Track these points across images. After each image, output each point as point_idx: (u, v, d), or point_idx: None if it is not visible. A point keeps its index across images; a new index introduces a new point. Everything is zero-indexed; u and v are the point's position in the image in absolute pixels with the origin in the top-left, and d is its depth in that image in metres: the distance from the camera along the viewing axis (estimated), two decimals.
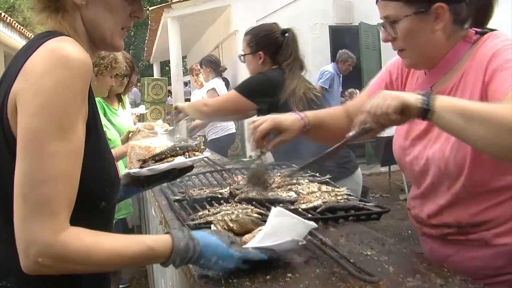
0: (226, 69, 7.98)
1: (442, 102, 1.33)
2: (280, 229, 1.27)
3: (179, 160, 1.66)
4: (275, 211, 1.30)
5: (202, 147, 1.87)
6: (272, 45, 3.16)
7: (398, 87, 1.88)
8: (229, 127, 7.59)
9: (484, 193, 1.55)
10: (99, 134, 1.27)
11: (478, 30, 1.63)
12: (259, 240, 1.26)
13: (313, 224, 1.36)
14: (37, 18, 1.31)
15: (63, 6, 1.28)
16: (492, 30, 1.62)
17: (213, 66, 7.51)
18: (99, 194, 1.25)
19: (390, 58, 1.97)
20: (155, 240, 1.17)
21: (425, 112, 1.34)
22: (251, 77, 3.21)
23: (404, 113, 1.37)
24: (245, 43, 3.23)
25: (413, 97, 1.35)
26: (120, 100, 4.03)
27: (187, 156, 1.76)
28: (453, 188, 1.59)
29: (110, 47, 1.38)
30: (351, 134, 1.55)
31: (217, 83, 7.42)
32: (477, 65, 1.51)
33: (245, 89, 3.08)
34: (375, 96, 1.44)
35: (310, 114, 1.95)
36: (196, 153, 1.79)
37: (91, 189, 1.20)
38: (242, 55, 3.26)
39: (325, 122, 1.98)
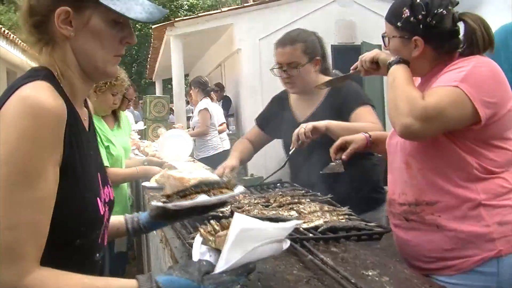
0: (213, 89, 8.19)
1: (395, 67, 1.94)
2: (247, 238, 1.20)
3: (202, 199, 1.53)
4: (237, 219, 1.23)
5: (234, 183, 1.68)
6: (321, 49, 2.89)
7: None
8: (221, 145, 7.64)
9: (438, 177, 1.86)
10: (80, 173, 1.26)
11: (462, 52, 1.93)
12: (226, 256, 1.19)
13: (287, 225, 1.32)
14: (30, 52, 1.32)
15: (53, 38, 1.28)
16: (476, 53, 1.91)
17: (202, 87, 7.68)
18: (74, 232, 1.25)
19: None
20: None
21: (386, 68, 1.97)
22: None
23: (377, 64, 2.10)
24: (299, 52, 2.75)
25: (386, 57, 2.01)
26: (116, 118, 3.85)
27: (212, 194, 1.57)
28: (414, 170, 1.92)
29: (104, 76, 1.38)
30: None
31: (208, 103, 7.57)
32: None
33: (368, 100, 2.78)
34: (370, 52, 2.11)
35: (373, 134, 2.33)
36: (224, 190, 1.60)
37: (65, 227, 1.21)
38: (297, 67, 2.75)
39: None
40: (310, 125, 2.45)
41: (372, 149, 2.36)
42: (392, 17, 1.98)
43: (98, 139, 2.95)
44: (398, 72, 1.90)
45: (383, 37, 2.06)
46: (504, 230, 1.78)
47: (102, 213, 1.32)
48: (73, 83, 1.31)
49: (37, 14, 1.27)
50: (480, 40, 1.86)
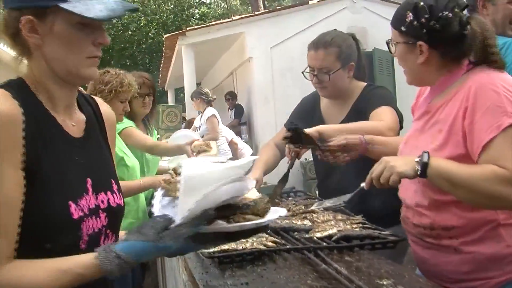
0: (215, 99, 8.38)
1: (432, 170, 1.66)
2: (197, 184, 1.13)
3: (219, 225, 1.20)
4: (185, 166, 1.18)
5: (266, 206, 1.28)
6: (356, 54, 2.73)
7: (418, 102, 2.10)
8: (225, 150, 7.81)
9: (454, 202, 1.75)
10: (47, 176, 1.28)
11: (472, 60, 1.84)
12: (180, 207, 1.14)
13: (242, 162, 1.24)
14: (13, 66, 1.36)
15: (28, 49, 1.32)
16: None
17: (203, 97, 8.03)
18: (42, 235, 1.26)
19: (404, 83, 2.07)
20: (83, 266, 1.19)
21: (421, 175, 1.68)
22: (386, 92, 2.73)
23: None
24: (332, 57, 2.60)
25: (410, 169, 1.69)
26: (146, 126, 3.88)
27: (232, 221, 1.21)
28: (430, 194, 1.81)
29: (79, 79, 1.38)
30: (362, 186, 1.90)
31: (213, 110, 7.82)
32: (462, 93, 1.75)
33: (394, 105, 2.60)
34: (379, 163, 1.79)
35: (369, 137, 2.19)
36: (248, 217, 1.22)
37: (32, 229, 1.24)
38: (328, 73, 2.60)
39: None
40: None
41: (369, 153, 2.18)
42: (396, 22, 1.91)
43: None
44: (442, 169, 1.67)
45: (388, 43, 1.99)
46: None
47: (76, 217, 1.31)
48: (49, 89, 1.34)
49: (10, 27, 1.31)
50: (480, 48, 1.77)
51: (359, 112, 2.59)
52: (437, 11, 1.77)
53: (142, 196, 3.32)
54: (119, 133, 3.32)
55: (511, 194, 1.58)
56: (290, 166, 2.38)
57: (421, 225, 1.87)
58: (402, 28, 1.87)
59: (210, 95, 8.09)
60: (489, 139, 1.63)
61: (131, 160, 3.23)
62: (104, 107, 1.60)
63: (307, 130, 2.22)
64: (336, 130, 2.27)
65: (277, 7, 11.29)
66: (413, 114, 2.09)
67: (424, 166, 1.66)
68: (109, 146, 1.57)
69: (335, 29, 2.79)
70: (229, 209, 1.21)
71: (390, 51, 1.98)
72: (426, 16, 1.78)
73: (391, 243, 1.77)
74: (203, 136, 7.65)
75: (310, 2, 10.87)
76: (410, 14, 1.82)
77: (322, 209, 2.17)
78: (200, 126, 7.78)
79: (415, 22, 1.81)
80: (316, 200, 2.37)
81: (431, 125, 1.86)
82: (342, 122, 2.66)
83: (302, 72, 2.72)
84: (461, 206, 1.75)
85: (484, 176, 1.60)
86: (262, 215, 1.24)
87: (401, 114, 2.55)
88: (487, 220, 1.74)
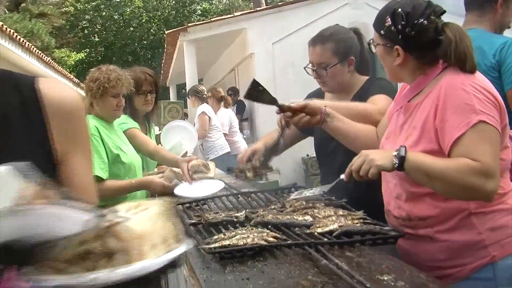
0: (209, 96, 8.44)
1: (409, 163, 1.75)
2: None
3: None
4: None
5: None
6: (357, 48, 2.72)
7: (399, 95, 2.18)
8: (222, 145, 7.91)
9: (429, 194, 1.87)
10: None
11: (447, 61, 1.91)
12: None
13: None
14: None
15: None
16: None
17: (198, 94, 8.14)
18: None
19: None
20: None
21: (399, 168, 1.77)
22: (386, 82, 2.66)
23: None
24: (329, 52, 2.59)
25: (388, 162, 1.79)
26: (146, 123, 3.87)
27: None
28: (407, 187, 1.92)
29: None
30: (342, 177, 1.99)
31: (205, 107, 7.88)
32: (435, 92, 1.85)
33: (392, 95, 2.48)
34: (358, 156, 1.89)
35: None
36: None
37: None
38: (325, 68, 2.60)
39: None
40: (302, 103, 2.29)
41: (326, 125, 2.25)
42: (377, 24, 1.99)
43: (97, 143, 2.97)
44: (420, 163, 1.77)
45: (369, 43, 2.10)
46: (497, 235, 1.82)
47: None
48: None
49: None
50: (453, 51, 1.84)
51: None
52: (413, 18, 1.86)
53: (138, 195, 3.27)
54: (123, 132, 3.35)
55: (484, 185, 1.68)
56: (280, 135, 2.49)
57: (400, 217, 1.98)
58: (381, 32, 1.96)
59: (205, 93, 8.20)
60: (459, 135, 1.73)
61: (128, 157, 3.19)
62: (48, 92, 1.27)
63: (295, 103, 2.28)
64: (323, 105, 2.30)
65: (279, 3, 11.27)
66: (387, 117, 2.22)
67: (402, 159, 1.75)
68: (47, 135, 1.25)
69: (337, 24, 2.79)
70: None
71: (371, 51, 2.13)
72: (403, 23, 1.87)
73: (392, 238, 1.77)
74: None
75: None
76: (389, 18, 1.91)
77: (300, 199, 2.21)
78: (195, 124, 7.79)
79: (392, 28, 1.90)
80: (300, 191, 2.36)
81: (409, 123, 1.96)
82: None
83: (305, 68, 2.72)
84: (435, 197, 1.86)
85: (458, 168, 1.70)
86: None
87: None
88: (460, 209, 1.84)
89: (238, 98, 10.92)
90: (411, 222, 1.94)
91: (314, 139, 2.89)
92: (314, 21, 9.94)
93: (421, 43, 1.88)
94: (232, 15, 10.90)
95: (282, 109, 2.26)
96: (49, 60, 15.13)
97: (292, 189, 2.67)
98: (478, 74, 1.87)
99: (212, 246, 1.66)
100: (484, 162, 1.69)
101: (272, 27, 10.22)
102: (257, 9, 11.96)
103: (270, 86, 9.79)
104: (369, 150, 1.90)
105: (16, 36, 11.33)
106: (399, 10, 1.86)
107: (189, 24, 10.87)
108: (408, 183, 1.90)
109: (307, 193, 2.26)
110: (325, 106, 2.24)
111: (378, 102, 2.47)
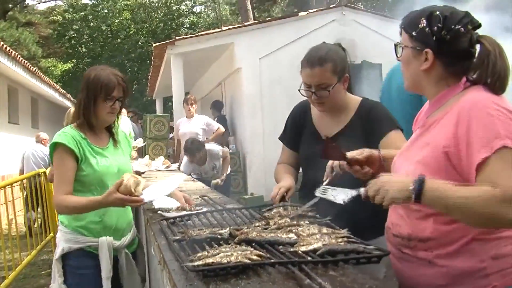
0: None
1: (427, 197, 1.66)
2: None
3: None
4: None
5: None
6: (348, 65, 2.69)
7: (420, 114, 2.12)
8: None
9: (434, 214, 1.80)
10: None
11: (470, 78, 1.86)
12: None
13: None
14: None
15: None
16: (484, 83, 1.82)
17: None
18: None
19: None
20: None
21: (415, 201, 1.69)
22: (384, 109, 2.70)
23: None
24: (329, 72, 2.55)
25: (403, 196, 1.70)
26: (110, 133, 3.15)
27: None
28: (410, 206, 1.85)
29: None
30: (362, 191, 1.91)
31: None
32: (456, 111, 1.77)
33: (398, 124, 2.59)
34: (375, 183, 1.81)
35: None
36: None
37: None
38: (327, 89, 2.55)
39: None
40: (366, 152, 2.23)
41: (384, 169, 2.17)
42: (409, 26, 1.91)
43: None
44: (438, 194, 1.68)
45: (395, 46, 1.99)
46: (499, 264, 1.74)
47: None
48: None
49: None
50: (491, 64, 1.77)
51: (361, 127, 2.62)
52: (450, 23, 1.80)
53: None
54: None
55: (508, 213, 1.58)
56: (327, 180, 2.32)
57: (400, 236, 1.92)
58: (413, 33, 1.88)
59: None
60: (482, 160, 1.64)
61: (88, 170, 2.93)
62: None
63: (359, 154, 2.21)
64: (391, 155, 2.20)
65: (267, 18, 11.34)
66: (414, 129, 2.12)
67: (419, 193, 1.66)
68: None
69: (323, 42, 2.75)
70: None
71: (396, 54, 1.99)
72: (439, 25, 1.81)
73: (376, 257, 1.76)
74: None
75: (300, 14, 10.97)
76: (424, 20, 1.84)
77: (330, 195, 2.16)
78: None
79: (427, 29, 1.83)
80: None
81: (422, 139, 1.90)
82: (338, 134, 2.67)
83: (299, 90, 2.65)
84: (439, 218, 1.79)
85: (481, 198, 1.60)
86: None
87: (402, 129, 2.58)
88: (463, 234, 1.76)
89: (222, 113, 10.94)
90: (411, 242, 1.88)
91: (301, 154, 2.87)
92: (301, 37, 10.04)
93: (453, 50, 1.82)
94: (220, 30, 10.95)
95: (350, 163, 2.18)
96: (35, 70, 15.04)
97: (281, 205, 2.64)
98: (502, 97, 1.79)
99: (196, 263, 1.64)
100: (508, 188, 1.59)
101: (259, 42, 10.28)
102: (245, 24, 12.03)
103: (257, 101, 9.82)
104: (386, 178, 1.81)
105: (3, 45, 11.27)
106: (437, 12, 1.82)
107: (177, 38, 10.90)
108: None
109: (331, 196, 2.15)
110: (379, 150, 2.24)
111: (397, 144, 2.37)
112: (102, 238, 2.95)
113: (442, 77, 1.87)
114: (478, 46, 1.82)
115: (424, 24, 1.83)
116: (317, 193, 2.23)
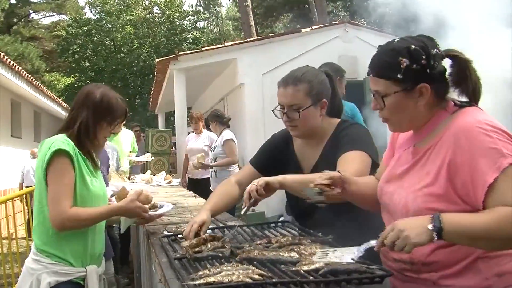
0: (230, 119, 8.05)
1: (449, 233, 1.60)
2: None
3: None
4: None
5: None
6: (329, 91, 2.58)
7: (394, 143, 2.14)
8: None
9: None
10: None
11: (457, 102, 1.87)
12: None
13: None
14: None
15: None
16: (471, 105, 1.85)
17: (219, 119, 7.72)
18: None
19: None
20: None
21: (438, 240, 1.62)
22: (359, 132, 2.55)
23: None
24: (301, 93, 2.47)
25: (425, 238, 1.61)
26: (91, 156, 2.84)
27: None
28: None
29: None
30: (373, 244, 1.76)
31: (231, 134, 7.59)
32: (450, 137, 1.77)
33: (367, 147, 2.44)
34: (391, 229, 1.68)
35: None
36: None
37: None
38: (297, 110, 2.47)
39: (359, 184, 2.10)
40: (262, 181, 2.18)
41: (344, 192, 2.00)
42: (388, 72, 1.84)
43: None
44: (458, 228, 1.64)
45: (374, 95, 1.91)
46: (504, 281, 1.73)
47: None
48: None
49: None
50: (473, 73, 1.81)
51: (333, 155, 2.46)
52: (429, 51, 1.79)
53: None
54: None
55: None
56: (245, 212, 2.27)
57: (401, 260, 1.89)
58: (398, 76, 1.81)
59: (225, 117, 7.86)
60: (491, 182, 1.63)
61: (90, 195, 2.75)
62: None
63: (269, 180, 2.19)
64: (300, 182, 2.17)
65: (270, 34, 11.39)
66: (386, 162, 2.14)
67: (440, 232, 1.61)
68: None
69: (307, 65, 2.65)
70: None
71: (376, 107, 1.94)
72: (424, 57, 1.78)
73: (379, 277, 1.75)
74: (216, 158, 7.53)
75: (303, 30, 11.00)
76: (405, 59, 1.79)
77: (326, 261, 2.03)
78: (215, 148, 7.61)
79: (414, 66, 1.79)
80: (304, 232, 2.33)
81: (419, 168, 1.87)
82: (316, 164, 2.58)
83: (273, 110, 2.60)
84: (442, 242, 1.72)
85: (500, 221, 1.58)
86: None
87: (377, 152, 2.47)
88: (467, 254, 1.75)
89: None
90: (414, 266, 1.85)
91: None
92: (304, 53, 10.06)
93: (440, 73, 1.83)
94: (223, 45, 10.98)
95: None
96: (38, 84, 15.10)
97: (279, 223, 2.64)
98: (485, 112, 1.81)
99: (197, 282, 1.63)
100: None
101: (262, 58, 10.31)
102: (248, 39, 12.08)
103: (259, 117, 9.82)
104: (401, 222, 1.71)
105: (6, 59, 11.33)
106: (413, 47, 1.79)
107: (180, 53, 10.93)
108: None
109: (333, 256, 1.89)
110: (339, 172, 2.02)
111: (350, 164, 2.30)
112: (89, 266, 2.71)
113: (434, 104, 1.86)
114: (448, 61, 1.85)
115: (408, 63, 1.79)
116: (317, 259, 1.87)
